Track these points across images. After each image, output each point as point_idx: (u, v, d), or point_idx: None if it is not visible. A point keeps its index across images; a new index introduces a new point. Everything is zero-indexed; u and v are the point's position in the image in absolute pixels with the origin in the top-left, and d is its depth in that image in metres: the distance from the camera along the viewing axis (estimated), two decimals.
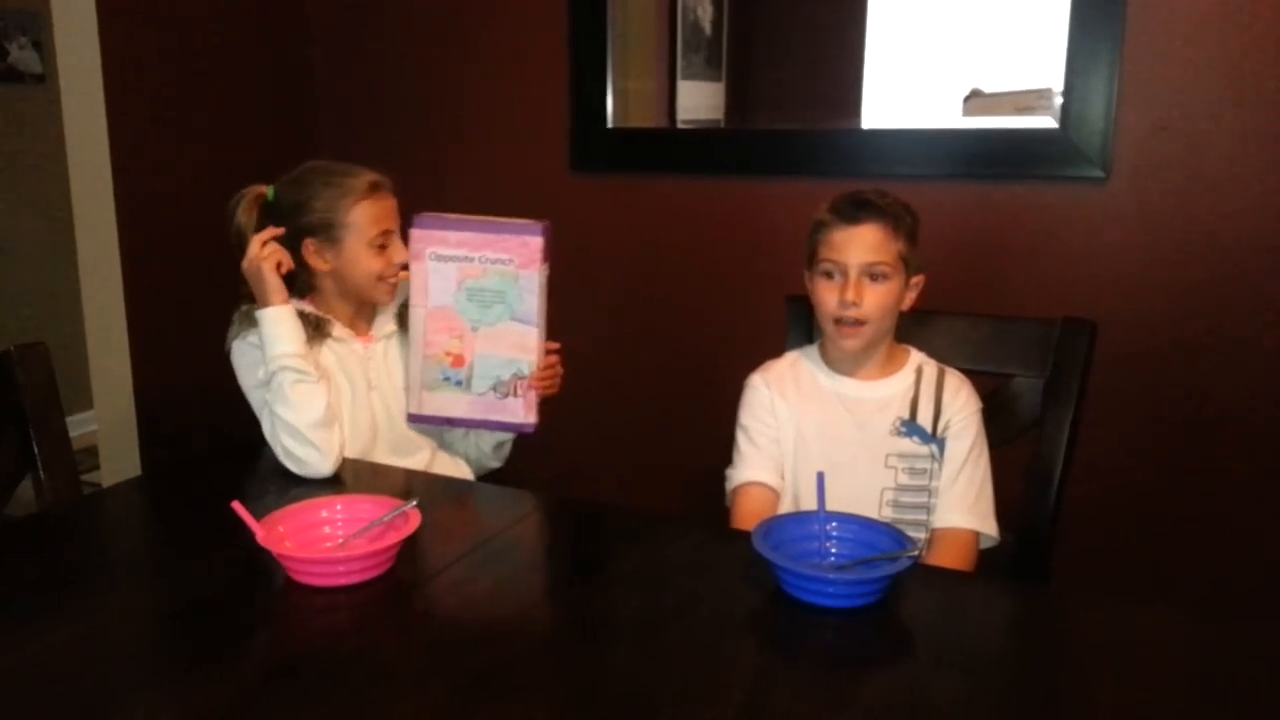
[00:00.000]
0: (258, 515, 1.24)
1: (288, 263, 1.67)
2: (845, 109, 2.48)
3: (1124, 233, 2.06)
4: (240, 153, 2.57)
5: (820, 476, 1.30)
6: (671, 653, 1.07)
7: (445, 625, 1.18)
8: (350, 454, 1.67)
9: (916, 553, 1.20)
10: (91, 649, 1.09)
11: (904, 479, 1.56)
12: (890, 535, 1.23)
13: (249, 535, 1.21)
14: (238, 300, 1.73)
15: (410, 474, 1.70)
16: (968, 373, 1.63)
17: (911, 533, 1.44)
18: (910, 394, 1.58)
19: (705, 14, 2.67)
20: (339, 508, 1.33)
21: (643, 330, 2.57)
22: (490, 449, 1.88)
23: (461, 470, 1.87)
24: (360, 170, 1.72)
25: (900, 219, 1.52)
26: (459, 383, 1.71)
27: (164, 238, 2.42)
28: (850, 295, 1.49)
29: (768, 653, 1.12)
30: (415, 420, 1.76)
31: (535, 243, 1.63)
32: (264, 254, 1.64)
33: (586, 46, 2.48)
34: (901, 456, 1.56)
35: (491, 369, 1.69)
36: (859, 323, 1.51)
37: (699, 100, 2.68)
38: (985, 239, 2.17)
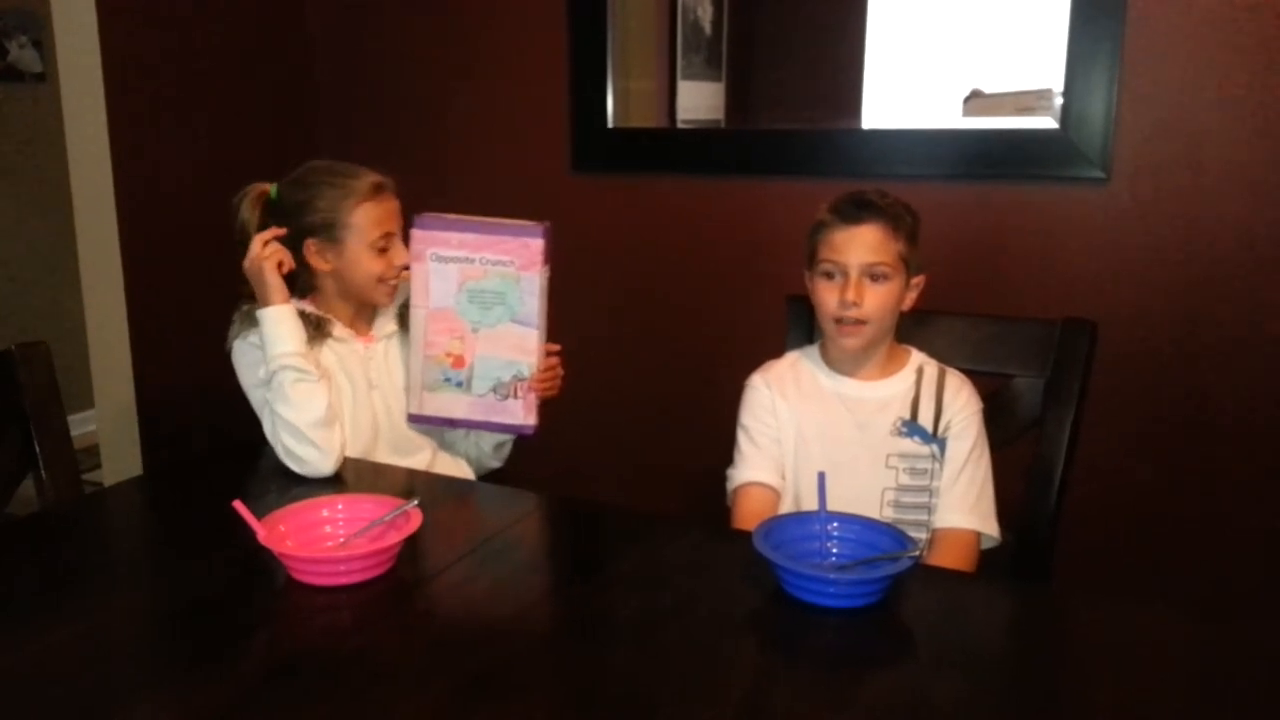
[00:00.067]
0: (259, 514, 1.24)
1: (289, 262, 1.67)
2: (846, 109, 2.48)
3: (1124, 233, 2.06)
4: (241, 152, 2.57)
5: (821, 476, 1.30)
6: (671, 653, 1.07)
7: (446, 625, 1.18)
8: (351, 454, 1.67)
9: (917, 553, 1.20)
10: (91, 649, 1.09)
11: (905, 479, 1.56)
12: (891, 535, 1.23)
13: (250, 534, 1.21)
14: (238, 300, 1.73)
15: (411, 473, 1.70)
16: (968, 373, 1.63)
17: (912, 533, 1.44)
18: (911, 394, 1.58)
19: (705, 14, 2.67)
20: (340, 507, 1.33)
21: (643, 330, 2.57)
22: (490, 449, 1.88)
23: (462, 470, 1.87)
24: (363, 171, 1.72)
25: (901, 219, 1.52)
26: (459, 384, 1.71)
27: (164, 237, 2.42)
28: (851, 295, 1.49)
29: (768, 653, 1.12)
30: (415, 421, 1.76)
31: (536, 245, 1.63)
32: (265, 254, 1.64)
33: (587, 47, 2.48)
34: (902, 457, 1.56)
35: (492, 370, 1.69)
36: (859, 322, 1.51)
37: (699, 100, 2.68)
38: (986, 239, 2.17)
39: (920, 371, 1.60)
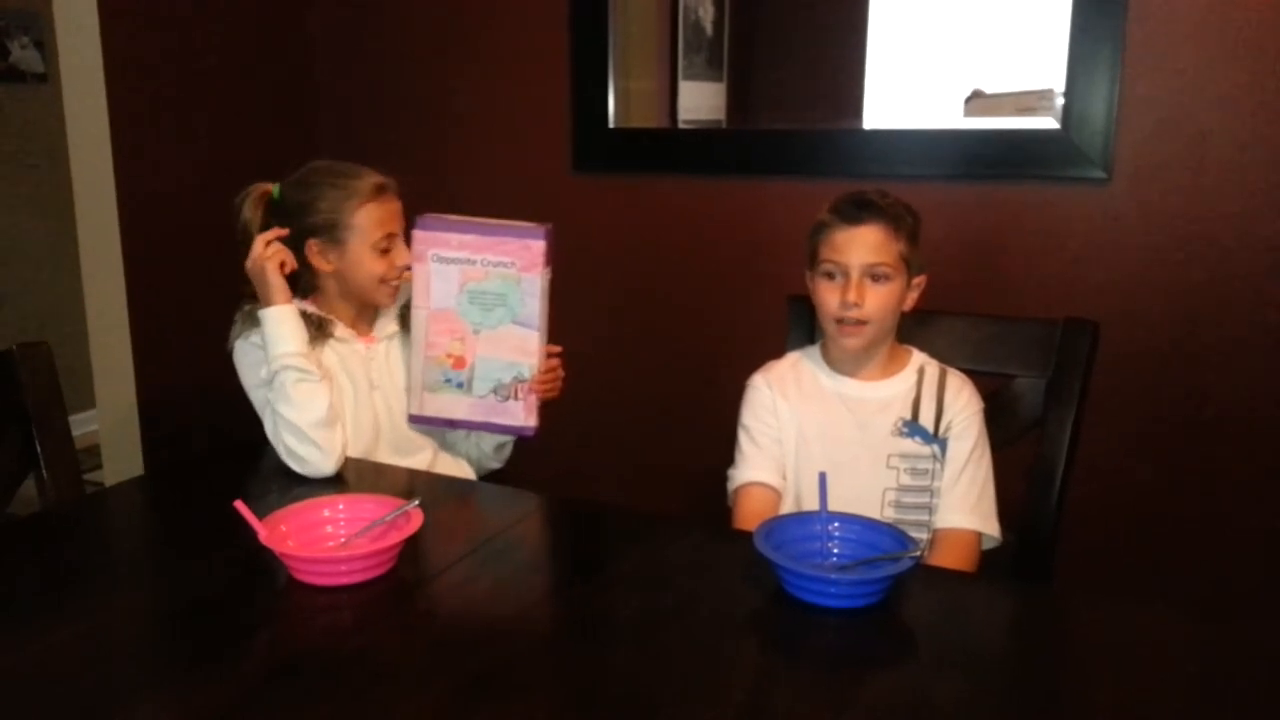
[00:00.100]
0: (260, 514, 1.24)
1: (291, 263, 1.67)
2: (847, 109, 2.48)
3: (1125, 233, 2.06)
4: (241, 153, 2.58)
5: (822, 477, 1.30)
6: (672, 653, 1.07)
7: (447, 625, 1.18)
8: (352, 454, 1.67)
9: (918, 553, 1.20)
10: (93, 649, 1.10)
11: (906, 479, 1.56)
12: (892, 536, 1.23)
13: (251, 534, 1.21)
14: (239, 300, 1.73)
15: (412, 474, 1.71)
16: (969, 373, 1.63)
17: (913, 533, 1.44)
18: (912, 394, 1.58)
19: (706, 14, 2.67)
20: (341, 507, 1.33)
21: (644, 330, 2.57)
22: (491, 450, 1.88)
23: (463, 471, 1.87)
24: (366, 172, 1.72)
25: (902, 219, 1.52)
26: (460, 385, 1.71)
27: (165, 237, 2.42)
28: (852, 296, 1.49)
29: (769, 653, 1.12)
30: (416, 421, 1.76)
31: (537, 246, 1.63)
32: (268, 254, 1.64)
33: (588, 47, 2.48)
34: (903, 457, 1.56)
35: (492, 372, 1.69)
36: (861, 323, 1.51)
37: (700, 100, 2.68)
38: (987, 239, 2.17)
39: (921, 372, 1.60)
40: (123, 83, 2.31)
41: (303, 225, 1.69)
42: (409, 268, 1.70)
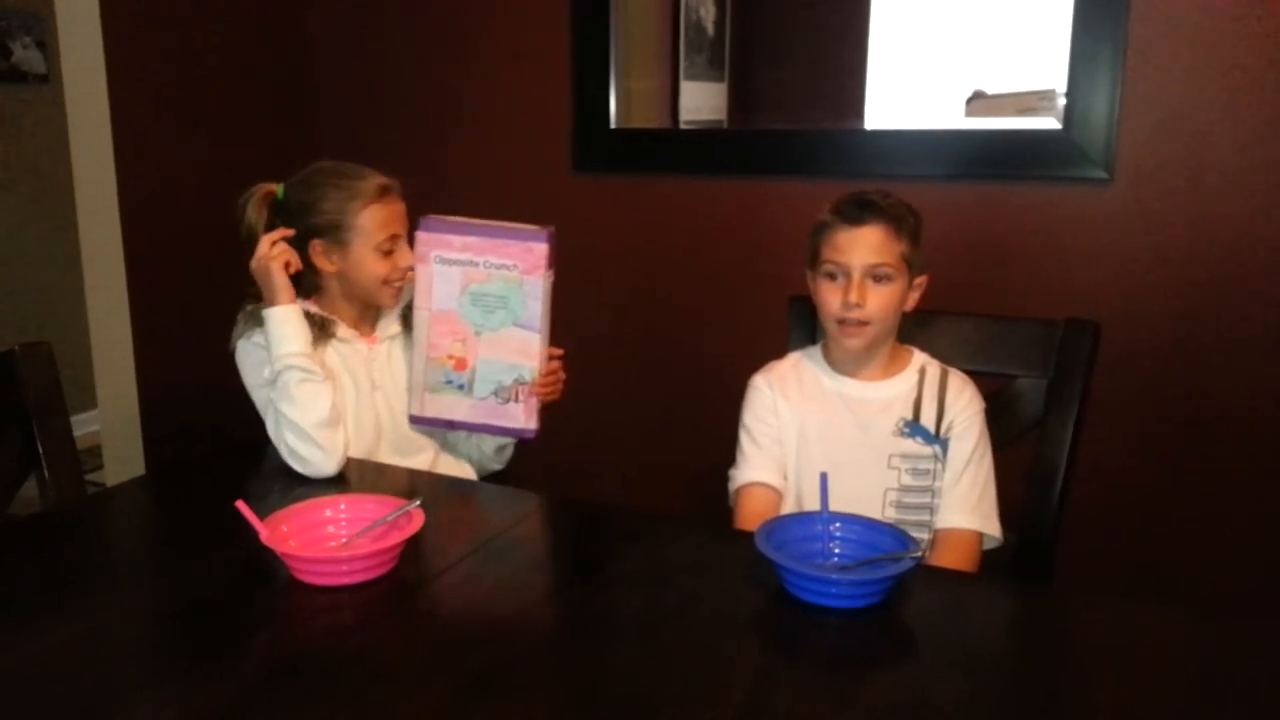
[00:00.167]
0: (261, 514, 1.24)
1: (296, 263, 1.67)
2: (848, 109, 2.48)
3: (1127, 233, 2.06)
4: (242, 153, 2.58)
5: (823, 477, 1.30)
6: (673, 653, 1.07)
7: (448, 625, 1.18)
8: (354, 454, 1.67)
9: (919, 553, 1.20)
10: (93, 649, 1.10)
11: (907, 479, 1.56)
12: (893, 536, 1.23)
13: (252, 534, 1.21)
14: (241, 300, 1.73)
15: (413, 474, 1.71)
16: (970, 373, 1.63)
17: (914, 533, 1.44)
18: (913, 395, 1.58)
19: (708, 14, 2.67)
20: (343, 507, 1.33)
21: (645, 330, 2.58)
22: (492, 451, 1.88)
23: (465, 471, 1.87)
24: (370, 173, 1.72)
25: (903, 220, 1.52)
26: (461, 386, 1.71)
27: (167, 237, 2.42)
28: (854, 297, 1.49)
29: (770, 653, 1.12)
30: (416, 422, 1.76)
31: (540, 249, 1.63)
32: (273, 253, 1.64)
33: (589, 47, 2.48)
34: (904, 457, 1.56)
35: (493, 374, 1.69)
36: (862, 323, 1.51)
37: (702, 101, 2.68)
38: (988, 240, 2.17)
39: (923, 372, 1.60)
40: (124, 83, 2.31)
41: (306, 225, 1.69)
42: (412, 269, 1.70)
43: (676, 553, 1.34)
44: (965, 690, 1.00)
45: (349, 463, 1.64)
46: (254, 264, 1.66)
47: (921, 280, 1.57)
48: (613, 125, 2.52)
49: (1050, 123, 2.10)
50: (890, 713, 0.97)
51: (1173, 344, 2.05)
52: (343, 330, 1.75)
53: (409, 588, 1.24)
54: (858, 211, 1.51)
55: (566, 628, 1.18)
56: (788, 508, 1.58)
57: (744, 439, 1.63)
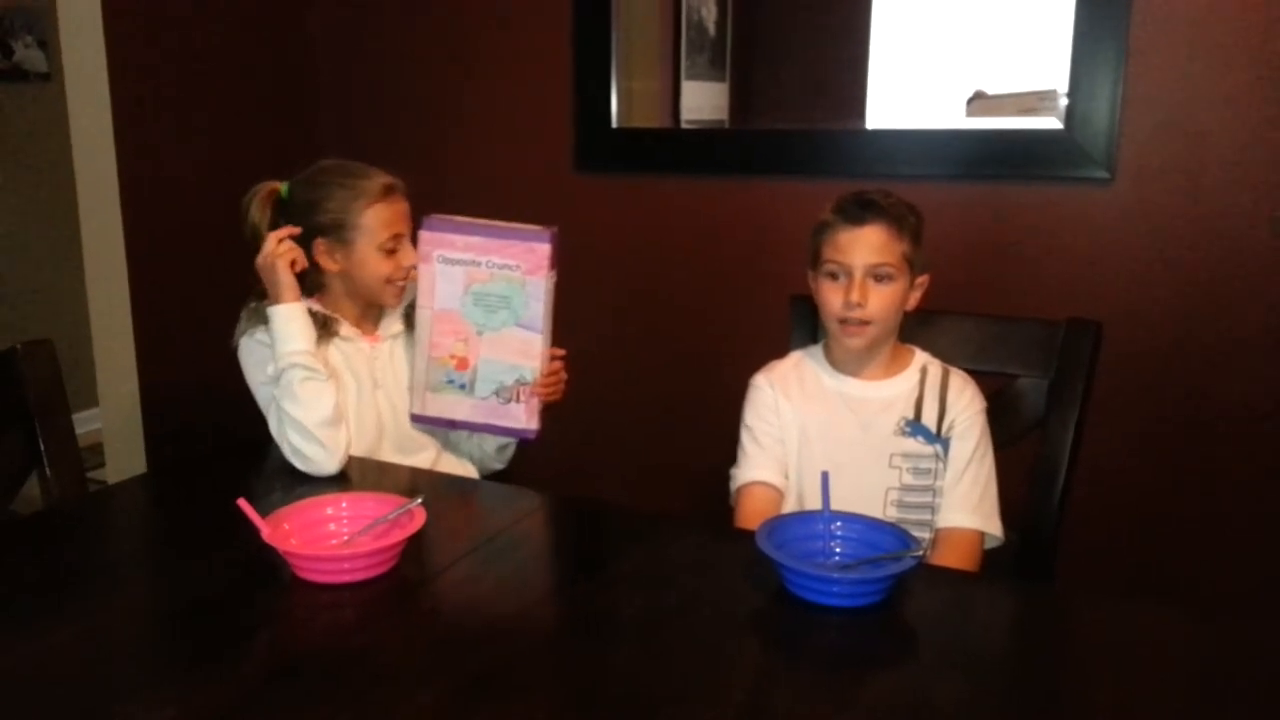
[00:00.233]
0: (263, 512, 1.25)
1: (302, 261, 1.67)
2: (849, 109, 2.48)
3: (1128, 233, 2.06)
4: (243, 152, 2.58)
5: (825, 476, 1.30)
6: (674, 652, 1.08)
7: (449, 623, 1.18)
8: (356, 452, 1.67)
9: (921, 552, 1.20)
10: (93, 649, 1.10)
11: (908, 479, 1.56)
12: (894, 535, 1.23)
13: (254, 533, 1.21)
14: (243, 298, 1.73)
15: (415, 472, 1.71)
16: (972, 373, 1.63)
17: (916, 532, 1.43)
18: (915, 394, 1.58)
19: (709, 14, 2.67)
20: (344, 505, 1.34)
21: (646, 330, 2.58)
22: (493, 451, 1.88)
23: (466, 470, 1.87)
24: (374, 172, 1.72)
25: (905, 220, 1.52)
26: (462, 386, 1.71)
27: (169, 235, 2.42)
28: (855, 296, 1.49)
29: (770, 652, 1.12)
30: (417, 421, 1.76)
31: (542, 249, 1.63)
32: (280, 251, 1.64)
33: (591, 47, 2.48)
34: (906, 456, 1.56)
35: (495, 374, 1.69)
36: (864, 323, 1.51)
37: (703, 100, 2.68)
38: (990, 239, 2.17)
39: (924, 371, 1.60)
40: (126, 82, 2.31)
41: (310, 224, 1.69)
42: (415, 268, 1.70)
43: (678, 552, 1.34)
44: (965, 690, 1.01)
45: (351, 461, 1.64)
46: (260, 261, 1.66)
47: (923, 280, 1.57)
48: (614, 125, 2.52)
49: (1052, 122, 2.10)
50: (890, 713, 0.97)
51: (1173, 344, 2.05)
52: (345, 329, 1.75)
53: (410, 586, 1.24)
54: (859, 211, 1.51)
55: (567, 627, 1.18)
56: (789, 507, 1.58)
57: (745, 438, 1.63)
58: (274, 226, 1.70)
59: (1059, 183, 2.10)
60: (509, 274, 1.64)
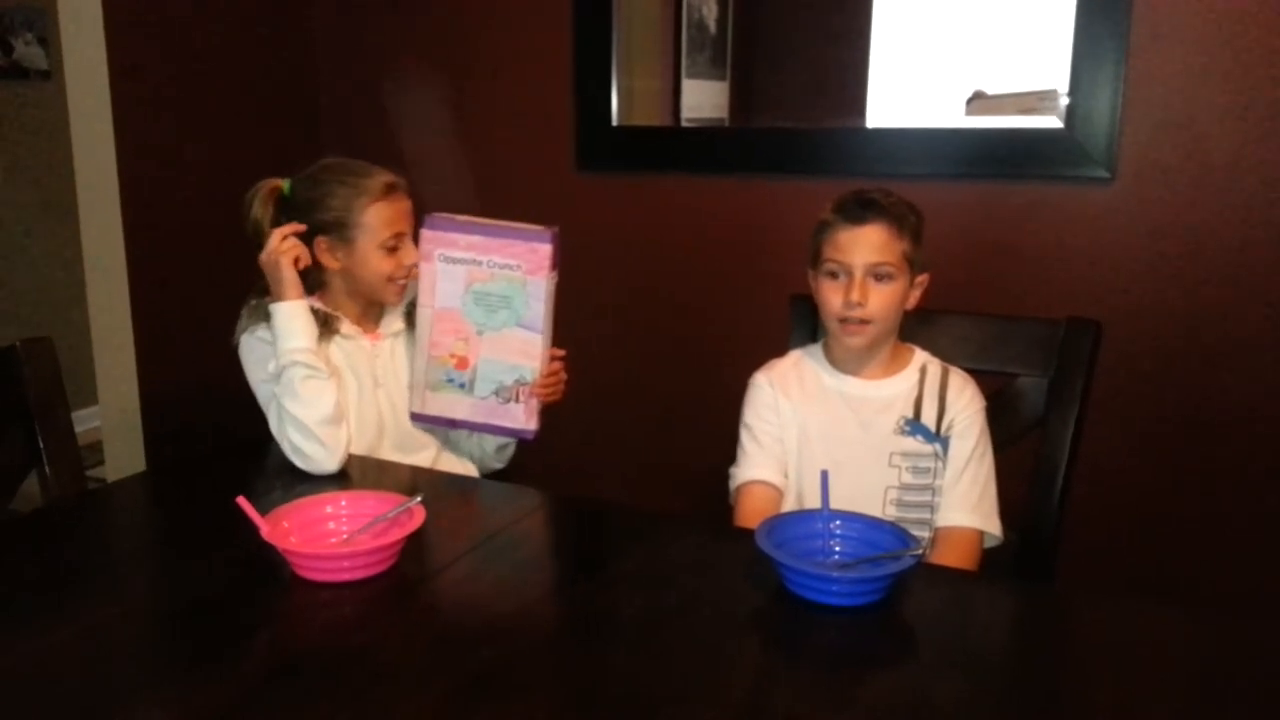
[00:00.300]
0: (263, 511, 1.25)
1: (305, 258, 1.67)
2: (850, 108, 2.48)
3: (1128, 233, 2.06)
4: (243, 151, 2.58)
5: (824, 475, 1.30)
6: (673, 651, 1.08)
7: (448, 622, 1.18)
8: (356, 451, 1.68)
9: (920, 551, 1.20)
10: (93, 648, 1.10)
11: (908, 478, 1.56)
12: (894, 534, 1.23)
13: (253, 532, 1.21)
14: (243, 297, 1.73)
15: (415, 471, 1.71)
16: (972, 372, 1.63)
17: (915, 531, 1.44)
18: (914, 393, 1.58)
19: (710, 13, 2.67)
20: (344, 504, 1.34)
21: (647, 328, 2.57)
22: (493, 450, 1.88)
23: (467, 469, 1.87)
24: (376, 171, 1.72)
25: (905, 219, 1.52)
26: (462, 385, 1.71)
27: (169, 234, 2.42)
28: (855, 295, 1.49)
29: (770, 651, 1.12)
30: (417, 419, 1.76)
31: (544, 250, 1.63)
32: (283, 248, 1.64)
33: (591, 45, 2.48)
34: (905, 455, 1.56)
35: (495, 374, 1.69)
36: (864, 322, 1.51)
37: (703, 99, 2.68)
38: (990, 239, 2.17)
39: (924, 370, 1.60)
40: (126, 80, 2.31)
41: (312, 222, 1.70)
42: (416, 266, 1.70)
43: (677, 551, 1.34)
44: (965, 690, 1.01)
45: (351, 459, 1.64)
46: (263, 258, 1.66)
47: (923, 279, 1.57)
48: (614, 124, 2.51)
49: (1052, 122, 2.10)
50: (890, 712, 0.97)
51: (1173, 344, 2.05)
52: (346, 327, 1.75)
53: (410, 584, 1.24)
54: (859, 210, 1.51)
55: (567, 626, 1.18)
56: (788, 506, 1.58)
57: (745, 437, 1.63)
58: (276, 224, 1.70)
59: (1059, 182, 2.10)
60: (510, 274, 1.64)
